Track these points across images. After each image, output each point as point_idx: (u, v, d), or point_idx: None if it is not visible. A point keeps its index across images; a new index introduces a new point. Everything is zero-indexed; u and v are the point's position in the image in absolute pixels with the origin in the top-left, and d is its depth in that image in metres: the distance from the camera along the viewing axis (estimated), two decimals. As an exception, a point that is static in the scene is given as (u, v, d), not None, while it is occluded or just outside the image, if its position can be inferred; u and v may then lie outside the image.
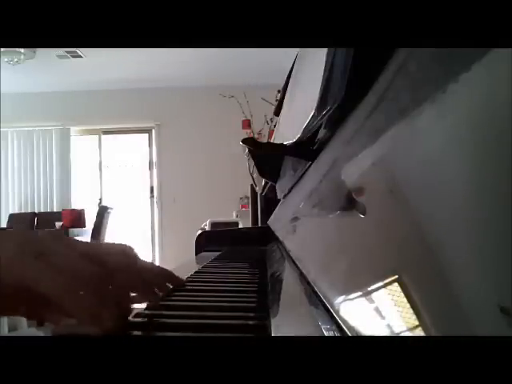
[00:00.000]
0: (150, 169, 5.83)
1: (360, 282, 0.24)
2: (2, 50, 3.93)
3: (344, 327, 0.23)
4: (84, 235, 4.25)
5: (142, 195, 5.82)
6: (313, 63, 0.59)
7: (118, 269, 0.39)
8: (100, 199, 5.77)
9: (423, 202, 0.18)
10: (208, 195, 5.44)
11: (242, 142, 0.84)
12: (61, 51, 4.40)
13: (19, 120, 5.55)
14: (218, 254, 1.11)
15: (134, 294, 0.43)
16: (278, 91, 1.77)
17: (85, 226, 4.55)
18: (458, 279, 0.14)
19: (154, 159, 5.79)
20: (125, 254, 0.41)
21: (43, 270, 0.33)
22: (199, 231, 1.47)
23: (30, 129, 5.68)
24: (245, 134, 4.67)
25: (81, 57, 4.59)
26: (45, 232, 0.38)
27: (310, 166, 0.60)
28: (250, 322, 0.39)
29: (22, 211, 5.46)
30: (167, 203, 5.67)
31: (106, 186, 5.85)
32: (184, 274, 0.68)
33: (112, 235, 4.43)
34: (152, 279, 0.47)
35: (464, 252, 0.14)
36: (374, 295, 0.21)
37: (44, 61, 4.52)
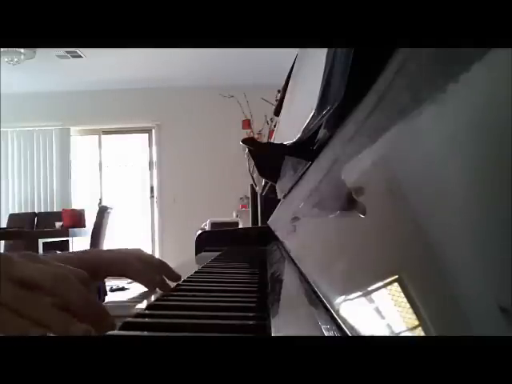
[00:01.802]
0: (150, 169, 5.83)
1: (360, 281, 0.24)
2: (2, 50, 3.92)
3: (344, 327, 0.22)
4: (84, 235, 4.25)
5: (141, 195, 5.82)
6: (313, 63, 0.59)
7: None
8: (100, 199, 5.76)
9: (423, 202, 0.18)
10: (208, 195, 5.43)
11: (242, 141, 0.84)
12: (61, 51, 4.40)
13: (19, 120, 5.55)
14: (217, 254, 1.11)
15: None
16: (278, 91, 1.77)
17: (85, 226, 4.55)
18: (458, 279, 0.14)
19: (154, 159, 5.79)
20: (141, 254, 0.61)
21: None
22: (199, 231, 1.47)
23: (30, 129, 5.67)
24: (245, 134, 4.67)
25: (81, 57, 4.59)
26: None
27: (310, 165, 0.60)
28: (250, 322, 0.39)
29: (22, 211, 5.45)
30: (167, 203, 5.67)
31: (105, 185, 5.85)
32: (184, 274, 0.68)
33: (112, 235, 4.43)
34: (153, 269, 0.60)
35: (464, 252, 0.14)
36: (374, 295, 0.21)
37: (44, 61, 4.52)
